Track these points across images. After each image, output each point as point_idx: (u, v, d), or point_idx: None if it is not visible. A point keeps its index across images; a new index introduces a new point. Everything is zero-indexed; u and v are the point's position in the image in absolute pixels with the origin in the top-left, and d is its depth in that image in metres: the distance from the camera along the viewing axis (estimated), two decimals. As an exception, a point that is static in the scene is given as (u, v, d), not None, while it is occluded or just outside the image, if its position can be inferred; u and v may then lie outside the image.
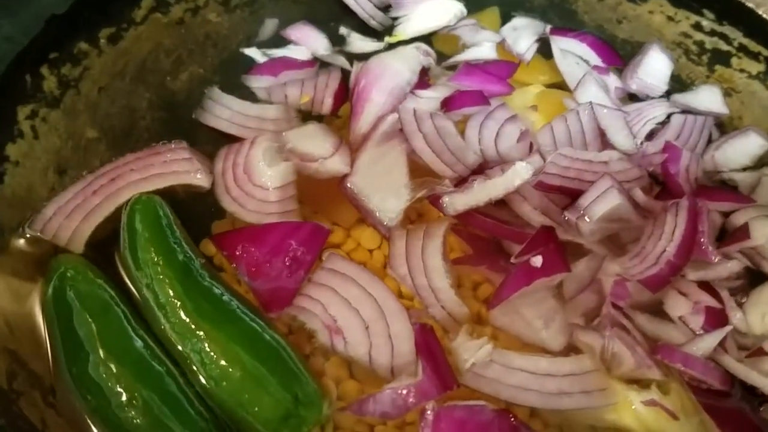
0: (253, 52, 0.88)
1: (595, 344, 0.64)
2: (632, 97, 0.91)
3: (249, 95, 0.86)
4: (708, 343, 0.64)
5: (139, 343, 0.61)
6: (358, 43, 0.90)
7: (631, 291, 0.69)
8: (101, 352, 0.60)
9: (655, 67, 0.90)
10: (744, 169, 0.82)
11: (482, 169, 0.77)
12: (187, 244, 0.68)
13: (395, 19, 0.94)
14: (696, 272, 0.70)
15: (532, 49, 0.91)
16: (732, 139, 0.83)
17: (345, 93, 0.85)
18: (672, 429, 0.61)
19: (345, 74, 0.88)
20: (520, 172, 0.71)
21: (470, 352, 0.63)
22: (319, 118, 0.85)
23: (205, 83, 0.88)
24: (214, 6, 0.94)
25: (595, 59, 0.90)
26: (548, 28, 0.93)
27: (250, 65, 0.90)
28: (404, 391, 0.60)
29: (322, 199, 0.77)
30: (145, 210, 0.68)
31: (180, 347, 0.61)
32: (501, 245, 0.74)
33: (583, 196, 0.72)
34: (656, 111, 0.86)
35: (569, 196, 0.76)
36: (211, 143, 0.82)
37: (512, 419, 0.58)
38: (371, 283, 0.66)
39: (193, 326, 0.61)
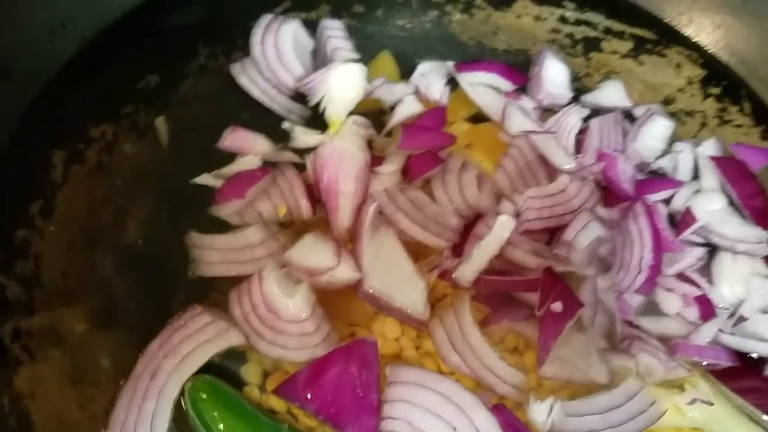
0: (205, 179, 0.86)
1: (628, 364, 0.75)
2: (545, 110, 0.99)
3: (220, 226, 0.85)
4: (709, 330, 0.78)
5: None
6: (302, 138, 0.89)
7: (629, 300, 0.80)
8: None
9: (554, 76, 1.00)
10: (663, 153, 0.94)
11: (466, 228, 0.83)
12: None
13: (317, 106, 0.95)
14: (671, 267, 0.82)
15: (445, 91, 0.97)
16: (642, 127, 0.96)
17: (311, 190, 0.86)
18: (711, 414, 0.74)
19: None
20: (504, 225, 0.80)
21: (544, 414, 0.71)
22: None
23: (155, 224, 0.85)
24: (124, 136, 0.89)
25: (504, 84, 0.98)
26: (451, 65, 0.98)
27: (199, 192, 0.87)
28: None
29: (332, 304, 0.79)
30: (208, 394, 0.70)
31: None
32: (508, 295, 0.81)
33: (567, 231, 0.82)
34: (572, 120, 0.96)
35: (547, 232, 0.84)
36: (201, 288, 0.80)
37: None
38: (438, 382, 0.72)
39: None
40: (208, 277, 0.82)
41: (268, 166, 0.89)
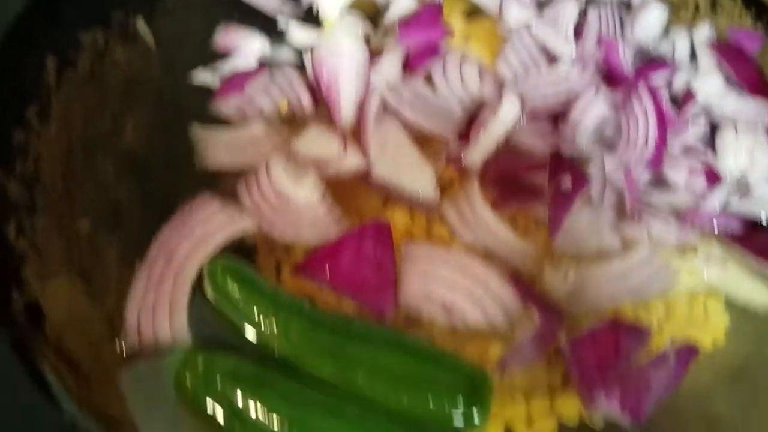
0: (203, 77, 0.84)
1: (640, 232, 0.76)
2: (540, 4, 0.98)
3: (223, 123, 0.84)
4: (718, 197, 0.79)
5: (310, 392, 0.64)
6: (298, 36, 0.88)
7: (636, 177, 0.80)
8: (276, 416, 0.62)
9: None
10: (662, 39, 0.94)
11: (471, 116, 0.82)
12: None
13: (309, 6, 0.94)
14: (675, 141, 0.83)
15: None
16: (639, 15, 0.95)
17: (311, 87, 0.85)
18: (725, 275, 0.75)
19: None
20: (510, 108, 0.80)
21: (560, 281, 0.71)
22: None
23: (152, 129, 0.84)
24: (115, 43, 0.87)
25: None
26: None
27: (196, 95, 0.86)
28: (532, 337, 0.68)
29: (340, 198, 0.79)
30: (228, 273, 0.70)
31: (344, 380, 0.65)
32: (516, 179, 0.81)
33: (573, 112, 0.81)
34: (569, 9, 0.95)
35: (552, 118, 0.84)
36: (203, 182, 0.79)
37: (621, 322, 0.68)
38: (451, 256, 0.73)
39: (343, 361, 0.65)
40: (211, 178, 0.81)
41: (265, 65, 0.87)
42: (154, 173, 0.81)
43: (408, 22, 0.89)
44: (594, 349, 0.68)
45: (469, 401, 0.64)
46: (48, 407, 0.61)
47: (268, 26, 0.92)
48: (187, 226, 0.72)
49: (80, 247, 0.74)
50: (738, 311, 0.78)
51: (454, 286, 0.71)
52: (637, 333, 0.69)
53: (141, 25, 0.88)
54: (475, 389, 0.65)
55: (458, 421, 0.65)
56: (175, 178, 0.81)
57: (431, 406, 0.64)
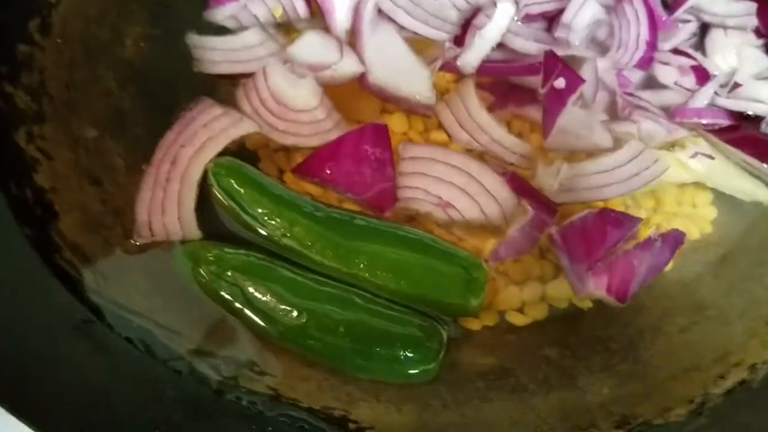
0: None
1: (630, 129, 0.79)
2: None
3: (218, 31, 0.85)
4: (706, 94, 0.81)
5: (315, 283, 0.69)
6: None
7: (628, 76, 0.82)
8: (285, 305, 0.66)
9: None
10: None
11: (466, 21, 0.84)
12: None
13: None
14: (666, 42, 0.84)
15: None
16: None
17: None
18: (712, 167, 0.78)
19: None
20: (504, 12, 0.81)
21: (552, 177, 0.74)
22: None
23: (151, 40, 0.85)
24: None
25: None
26: None
27: (191, 5, 0.87)
28: (526, 228, 0.71)
29: (337, 103, 0.81)
30: (232, 172, 0.73)
31: (346, 270, 0.69)
32: (511, 82, 0.83)
33: (565, 13, 0.83)
34: None
35: (545, 19, 0.85)
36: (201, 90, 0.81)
37: (612, 212, 0.71)
38: (448, 155, 0.76)
39: (346, 249, 0.69)
40: (210, 85, 0.82)
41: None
42: (154, 81, 0.83)
43: None
44: (582, 236, 0.71)
45: (465, 288, 0.68)
46: (67, 299, 0.64)
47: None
48: (191, 129, 0.75)
49: (88, 152, 0.76)
50: (724, 202, 0.81)
51: (450, 182, 0.75)
52: (625, 221, 0.72)
53: None
54: (470, 277, 0.69)
55: (455, 308, 0.68)
56: (174, 85, 0.82)
57: (430, 294, 0.67)
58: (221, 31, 0.85)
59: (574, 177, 0.76)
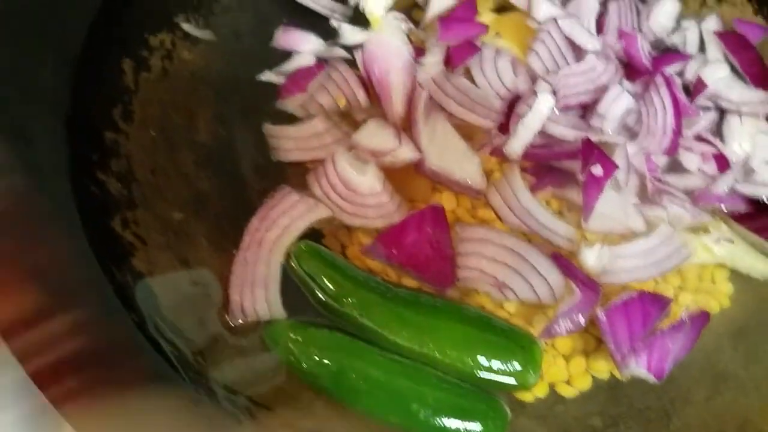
0: (268, 76, 0.93)
1: (660, 214, 0.88)
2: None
3: (285, 118, 0.94)
4: (727, 181, 0.91)
5: (395, 358, 0.77)
6: (349, 34, 0.98)
7: (655, 161, 0.92)
8: (369, 382, 0.75)
9: (566, -40, 1.07)
10: (673, 30, 1.05)
11: (508, 108, 0.93)
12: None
13: (356, 5, 1.04)
14: (689, 129, 0.94)
15: None
16: (653, 7, 1.06)
17: (364, 82, 0.96)
18: (733, 250, 0.88)
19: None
20: (544, 102, 0.91)
21: (594, 258, 0.84)
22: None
23: (221, 123, 0.94)
24: (181, 44, 0.97)
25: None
26: None
27: (258, 90, 0.96)
28: (573, 308, 0.81)
29: (393, 184, 0.90)
30: (312, 255, 0.82)
31: (418, 348, 0.77)
32: (549, 165, 0.92)
33: (601, 104, 0.93)
34: (590, 3, 1.05)
35: (580, 107, 0.95)
36: (273, 176, 0.91)
37: (650, 294, 0.81)
38: (501, 237, 0.85)
39: (416, 329, 0.78)
40: (280, 166, 0.91)
41: (322, 62, 0.96)
42: (227, 163, 0.92)
43: (448, 22, 0.99)
44: (626, 317, 0.81)
45: (523, 363, 0.78)
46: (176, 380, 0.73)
47: (319, 25, 1.01)
48: (272, 215, 0.84)
49: (176, 235, 0.85)
50: (741, 280, 0.91)
51: (504, 263, 0.84)
52: (661, 303, 0.82)
53: (190, 28, 0.97)
54: (529, 353, 0.79)
55: (515, 381, 0.78)
56: (246, 166, 0.91)
57: (493, 370, 0.77)
58: (292, 119, 0.93)
59: (614, 259, 0.85)
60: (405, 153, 0.90)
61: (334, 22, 1.00)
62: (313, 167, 0.89)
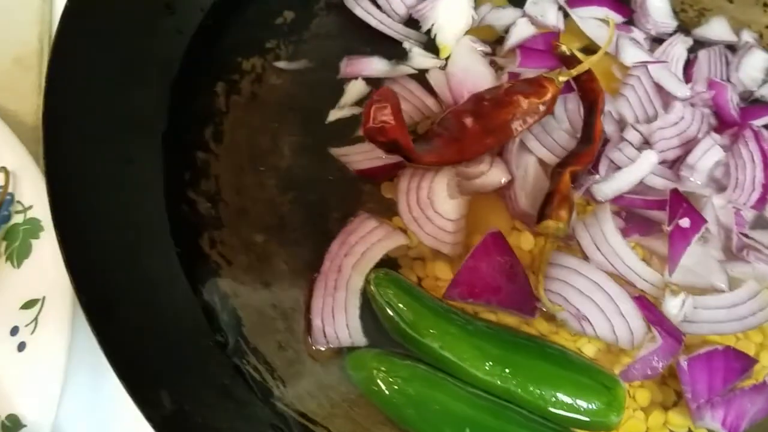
0: (334, 114, 0.97)
1: (746, 270, 0.87)
2: (653, 41, 1.08)
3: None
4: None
5: (477, 392, 0.78)
6: (419, 59, 1.01)
7: (743, 216, 0.91)
8: (453, 415, 0.76)
9: (658, 5, 1.09)
10: (763, 83, 1.04)
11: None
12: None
13: (428, 32, 1.06)
14: (779, 184, 0.93)
15: (560, 17, 1.07)
16: (743, 59, 1.06)
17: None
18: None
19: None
20: (650, 160, 0.91)
21: (677, 308, 0.84)
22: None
23: (304, 150, 0.95)
24: (270, 69, 1.00)
25: (614, 16, 1.06)
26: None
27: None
28: (654, 355, 0.82)
29: (476, 220, 0.92)
30: (392, 284, 0.83)
31: (500, 383, 0.78)
32: (636, 212, 0.92)
33: (691, 155, 0.93)
34: (678, 49, 1.06)
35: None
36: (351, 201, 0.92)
37: (735, 351, 0.80)
38: (592, 272, 0.85)
39: (496, 363, 0.78)
40: (357, 193, 0.93)
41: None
42: (308, 188, 0.93)
43: (528, 51, 1.01)
44: (707, 370, 0.81)
45: (606, 403, 0.78)
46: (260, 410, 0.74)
47: (391, 52, 1.03)
48: (351, 240, 0.86)
49: (258, 257, 0.87)
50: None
51: (590, 297, 0.84)
52: (745, 361, 0.81)
53: (282, 64, 1.00)
54: (611, 394, 0.79)
55: (597, 421, 0.78)
56: (325, 192, 0.92)
57: (575, 408, 0.78)
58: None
59: (696, 309, 0.84)
60: (494, 176, 0.91)
61: (406, 45, 1.02)
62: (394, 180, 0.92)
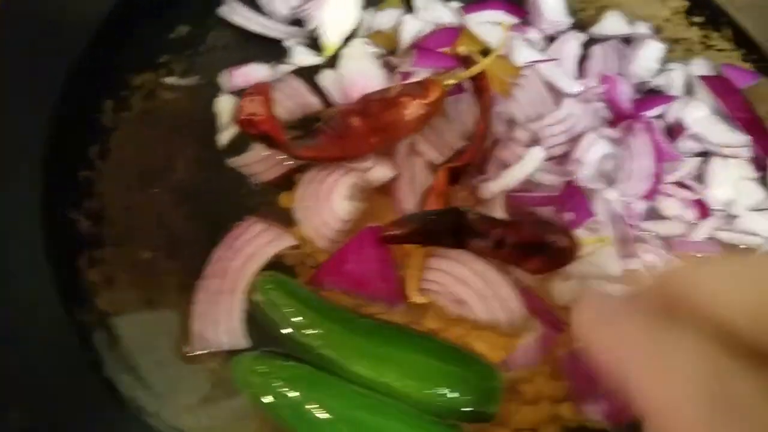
0: (224, 137, 0.96)
1: (636, 261, 0.87)
2: (550, 40, 1.08)
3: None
4: (705, 229, 0.91)
5: (356, 389, 0.78)
6: (300, 57, 1.02)
7: (634, 208, 0.91)
8: (330, 415, 0.75)
9: (551, 3, 1.09)
10: (659, 73, 1.05)
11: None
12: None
13: (312, 31, 1.06)
14: (670, 175, 0.94)
15: (455, 17, 1.09)
16: (638, 50, 1.06)
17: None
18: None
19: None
20: (536, 156, 0.91)
21: (566, 292, 0.86)
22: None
23: (200, 163, 0.95)
24: (163, 84, 0.98)
25: (509, 19, 1.07)
26: (457, 7, 1.10)
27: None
28: (533, 344, 0.83)
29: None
30: (277, 286, 0.83)
31: (378, 378, 0.78)
32: (530, 210, 0.92)
33: (577, 150, 0.92)
34: (572, 46, 1.06)
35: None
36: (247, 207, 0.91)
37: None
38: (472, 261, 0.85)
39: (377, 359, 0.79)
40: (253, 203, 0.92)
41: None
42: (204, 202, 0.92)
43: (424, 51, 1.01)
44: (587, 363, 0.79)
45: (484, 394, 0.79)
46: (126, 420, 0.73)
47: (274, 50, 1.04)
48: (237, 244, 0.86)
49: (143, 274, 0.86)
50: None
51: (469, 284, 0.85)
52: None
53: (173, 80, 1.00)
54: (490, 384, 0.80)
55: (475, 411, 0.78)
56: (222, 204, 0.91)
57: (452, 401, 0.78)
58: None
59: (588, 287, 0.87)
60: (379, 172, 0.91)
61: (286, 44, 1.03)
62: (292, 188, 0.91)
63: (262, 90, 0.86)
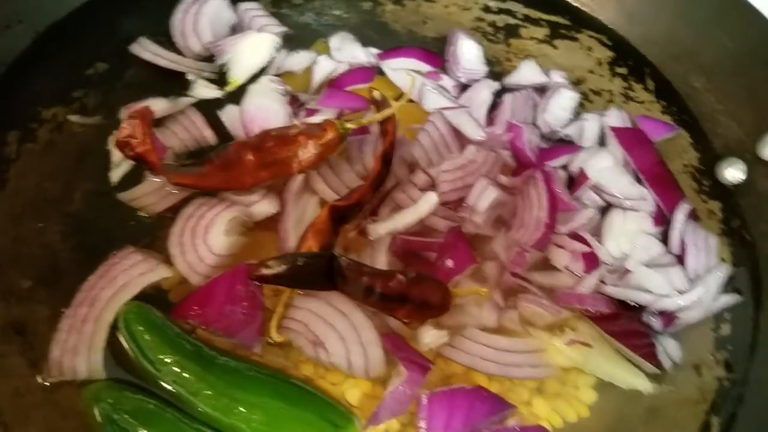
0: (116, 174, 0.97)
1: (512, 316, 0.85)
2: (464, 87, 1.08)
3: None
4: (590, 282, 0.90)
5: (199, 428, 0.77)
6: (200, 89, 1.04)
7: (522, 258, 0.89)
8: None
9: (468, 54, 1.11)
10: (570, 122, 1.04)
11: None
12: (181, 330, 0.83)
13: (222, 66, 1.08)
14: (564, 225, 0.92)
15: (370, 56, 1.11)
16: (550, 99, 1.06)
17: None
18: (589, 354, 0.84)
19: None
20: (429, 201, 0.91)
21: (430, 339, 0.84)
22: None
23: (96, 196, 0.95)
24: (74, 117, 0.99)
25: (424, 66, 1.07)
26: (374, 53, 1.12)
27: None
28: (400, 389, 0.79)
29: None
30: (139, 318, 0.82)
31: (226, 419, 0.77)
32: (418, 253, 0.91)
33: (469, 196, 0.91)
34: (483, 94, 1.07)
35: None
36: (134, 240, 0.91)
37: (486, 392, 0.77)
38: (340, 301, 0.84)
39: (228, 399, 0.77)
40: (141, 235, 0.92)
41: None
42: (94, 234, 0.92)
43: (332, 90, 1.04)
44: (447, 408, 0.79)
45: None
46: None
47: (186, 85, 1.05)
48: (111, 273, 0.85)
49: (19, 302, 0.86)
50: (605, 387, 0.87)
51: (332, 325, 0.83)
52: (494, 403, 0.79)
53: (77, 119, 1.01)
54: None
55: None
56: (111, 241, 0.90)
57: None
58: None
59: (462, 338, 0.85)
60: (264, 207, 0.91)
61: (190, 77, 1.05)
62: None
63: (142, 114, 0.87)
